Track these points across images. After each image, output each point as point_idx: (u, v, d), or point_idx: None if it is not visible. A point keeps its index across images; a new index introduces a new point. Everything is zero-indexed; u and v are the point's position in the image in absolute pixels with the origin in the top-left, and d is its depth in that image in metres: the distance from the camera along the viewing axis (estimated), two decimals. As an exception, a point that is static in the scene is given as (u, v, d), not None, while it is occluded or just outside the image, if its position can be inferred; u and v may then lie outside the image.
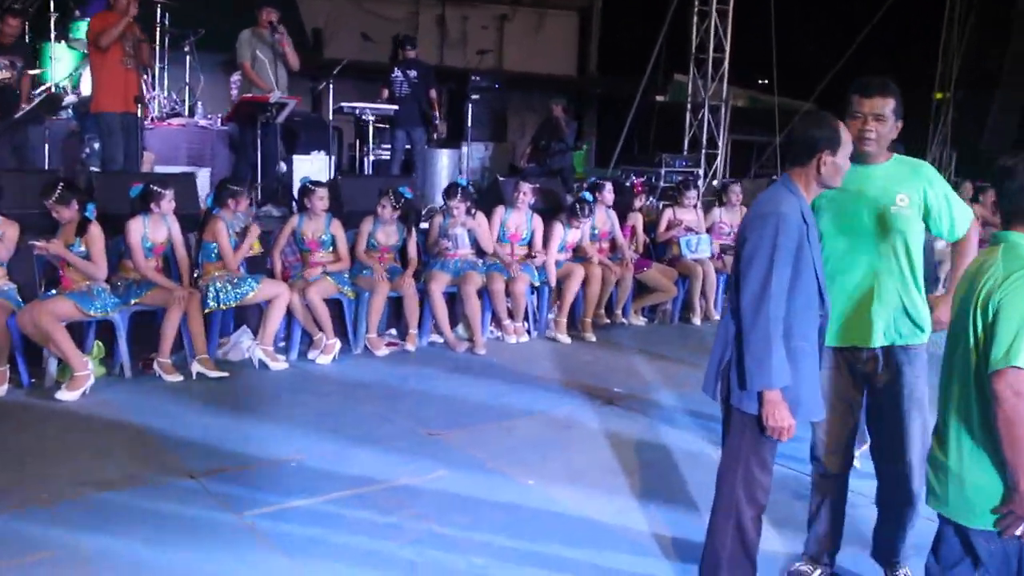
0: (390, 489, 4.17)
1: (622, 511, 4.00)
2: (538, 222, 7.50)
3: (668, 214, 8.34)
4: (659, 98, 12.64)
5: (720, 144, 11.48)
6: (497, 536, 3.72)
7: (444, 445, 4.80)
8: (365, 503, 4.00)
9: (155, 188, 6.00)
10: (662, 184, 10.15)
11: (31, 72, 7.86)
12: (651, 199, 9.53)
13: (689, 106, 11.69)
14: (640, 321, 8.10)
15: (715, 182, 9.05)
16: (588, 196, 7.78)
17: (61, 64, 8.83)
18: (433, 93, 9.67)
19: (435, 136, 10.07)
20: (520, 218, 7.42)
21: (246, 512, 3.84)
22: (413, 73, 9.50)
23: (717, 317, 8.19)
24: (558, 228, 7.47)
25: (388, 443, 4.78)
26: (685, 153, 11.34)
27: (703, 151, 10.95)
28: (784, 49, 12.10)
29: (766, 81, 14.98)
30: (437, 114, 9.79)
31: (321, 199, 6.52)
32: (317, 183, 6.73)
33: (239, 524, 3.74)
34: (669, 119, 12.31)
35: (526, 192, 7.39)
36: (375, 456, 4.58)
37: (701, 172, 10.75)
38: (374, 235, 6.81)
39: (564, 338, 7.21)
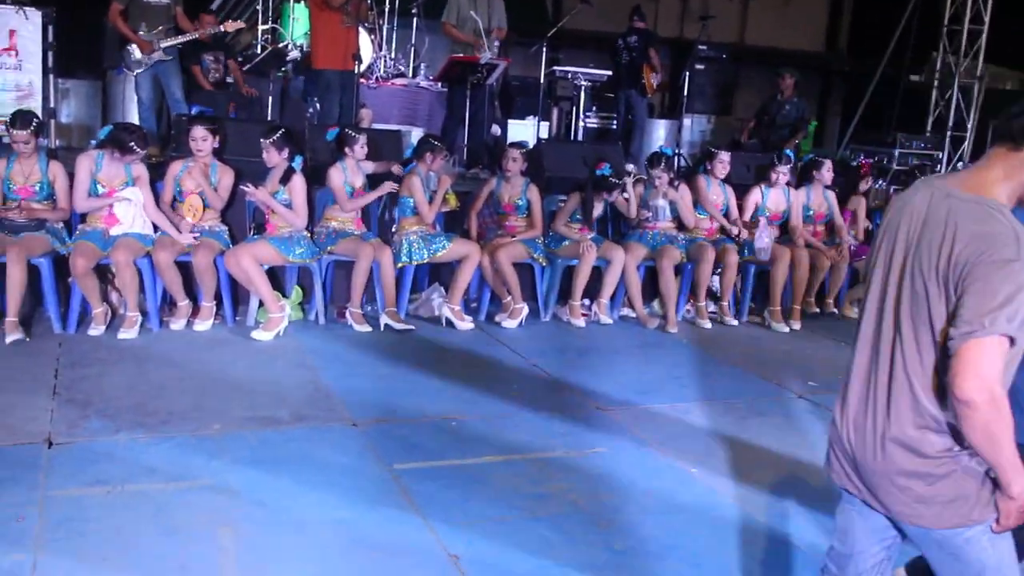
0: (544, 459, 4.04)
1: (784, 516, 3.64)
2: (731, 192, 7.10)
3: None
4: (913, 77, 11.59)
5: (969, 127, 10.36)
6: (643, 523, 3.50)
7: (611, 421, 4.60)
8: (515, 470, 3.90)
9: (349, 131, 6.15)
10: (895, 167, 9.30)
11: (261, 28, 8.27)
12: (880, 182, 8.77)
13: (936, 83, 10.63)
14: (854, 313, 7.45)
15: (960, 167, 8.17)
16: (789, 152, 7.21)
17: (299, 23, 9.29)
18: (652, 53, 9.38)
19: (649, 95, 9.75)
20: (716, 189, 7.03)
21: (396, 464, 3.84)
22: (633, 39, 9.28)
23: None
24: (755, 193, 7.04)
25: (554, 413, 4.64)
26: (927, 135, 10.33)
27: (948, 134, 9.91)
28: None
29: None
30: (656, 75, 9.47)
31: (515, 161, 6.44)
32: (513, 144, 6.66)
33: (385, 475, 3.74)
34: (915, 99, 11.26)
35: (724, 162, 6.98)
36: (538, 424, 4.47)
37: (944, 157, 9.74)
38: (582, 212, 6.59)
39: (780, 326, 6.76)
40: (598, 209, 6.64)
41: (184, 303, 5.70)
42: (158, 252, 5.49)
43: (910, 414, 2.01)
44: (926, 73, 11.25)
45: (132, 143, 5.49)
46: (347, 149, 6.08)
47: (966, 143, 10.38)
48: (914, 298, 1.98)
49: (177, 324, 5.66)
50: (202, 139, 5.76)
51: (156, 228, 5.66)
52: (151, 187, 5.69)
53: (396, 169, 6.44)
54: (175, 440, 3.94)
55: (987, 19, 10.26)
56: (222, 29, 7.22)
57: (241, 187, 5.82)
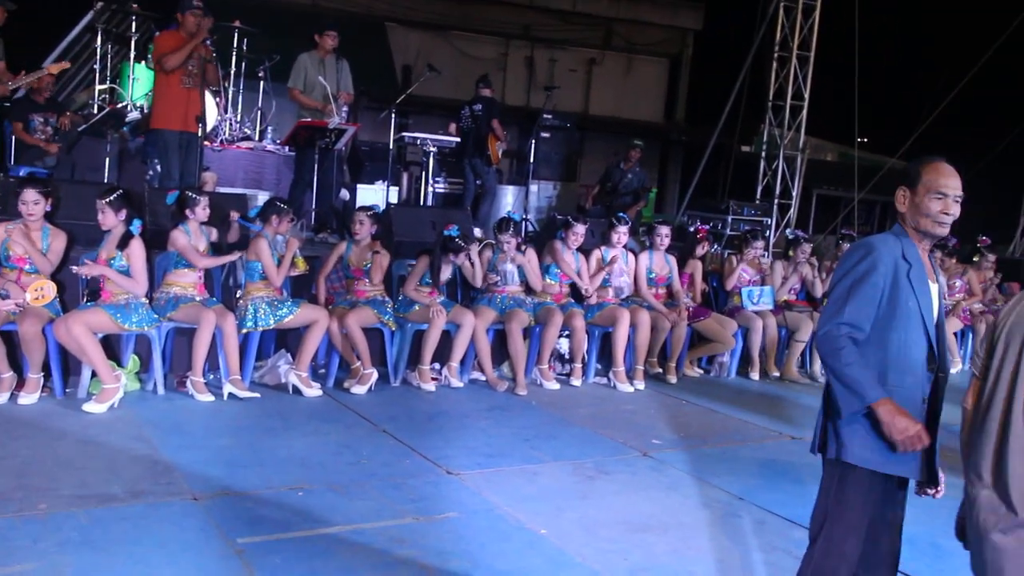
0: (395, 527, 3.98)
1: (632, 573, 3.72)
2: (583, 259, 7.33)
3: (732, 262, 8.04)
4: (743, 148, 12.34)
5: (794, 195, 11.10)
6: (494, 586, 3.49)
7: (462, 485, 4.60)
8: (364, 539, 3.82)
9: (189, 194, 6.01)
10: (728, 232, 9.84)
11: (99, 87, 8.04)
12: (716, 247, 9.23)
13: (764, 154, 11.36)
14: (695, 372, 7.78)
15: (789, 233, 8.69)
16: (623, 215, 7.54)
17: (139, 84, 9.05)
18: (495, 124, 9.62)
19: (493, 165, 9.97)
20: (570, 257, 7.24)
21: (240, 539, 3.70)
22: (478, 107, 9.50)
23: (776, 374, 7.83)
24: (596, 254, 7.32)
25: (403, 479, 4.60)
26: (757, 202, 10.99)
27: (776, 201, 10.58)
28: (872, 100, 11.71)
29: (864, 140, 14.55)
30: (501, 143, 9.71)
31: (362, 224, 6.44)
32: (362, 208, 6.66)
33: (228, 551, 3.59)
34: (745, 168, 11.99)
35: (579, 234, 7.20)
36: (387, 491, 4.41)
37: (773, 223, 10.37)
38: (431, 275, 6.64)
39: (624, 386, 6.94)
40: (446, 272, 6.69)
41: (7, 375, 5.36)
42: (-22, 321, 5.16)
43: None
44: (755, 144, 12.00)
45: None
46: (188, 211, 5.93)
47: (792, 210, 11.10)
48: None
49: (-1, 397, 5.31)
50: (33, 203, 5.50)
51: (-24, 296, 5.32)
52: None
53: (233, 215, 6.34)
54: (-5, 523, 3.67)
55: (807, 96, 11.08)
56: (36, 76, 6.96)
57: (72, 268, 5.57)
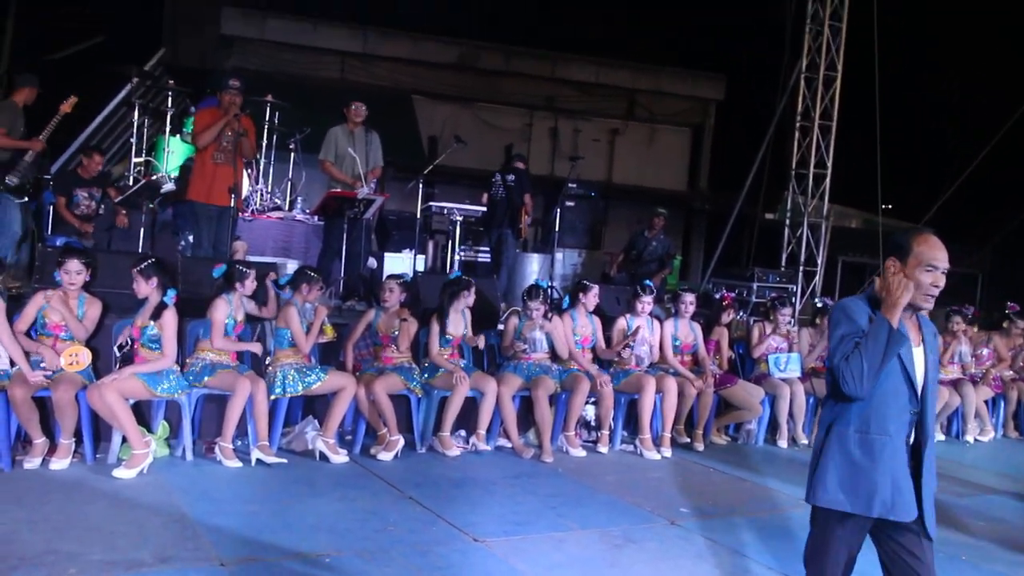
0: (421, 595, 3.97)
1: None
2: (598, 322, 7.37)
3: (759, 329, 8.03)
4: (767, 215, 12.41)
5: (819, 262, 11.10)
6: (521, 656, 3.46)
7: (489, 553, 4.57)
8: (391, 608, 3.81)
9: (240, 268, 6.13)
10: (754, 299, 9.85)
11: (134, 160, 8.27)
12: (741, 314, 9.24)
13: (788, 222, 11.41)
14: (722, 440, 7.73)
15: (817, 301, 8.68)
16: (649, 283, 7.57)
17: (174, 156, 9.29)
18: (527, 198, 9.75)
19: (521, 239, 10.09)
20: (584, 320, 7.28)
21: (267, 606, 3.70)
22: (511, 177, 9.65)
23: (804, 441, 7.75)
24: (620, 322, 7.33)
25: (429, 547, 4.58)
26: (782, 269, 11.00)
27: (801, 268, 10.58)
28: (896, 167, 11.77)
29: (889, 207, 14.59)
30: (528, 218, 9.84)
31: (391, 291, 6.53)
32: (392, 276, 6.76)
33: (255, 618, 3.59)
34: (770, 235, 12.03)
35: (595, 295, 7.26)
36: (413, 558, 4.39)
37: (798, 290, 10.37)
38: (445, 330, 6.74)
39: (651, 454, 6.91)
40: (457, 324, 6.77)
41: (40, 440, 5.42)
42: (14, 387, 5.25)
43: None
44: (779, 212, 12.05)
45: None
46: (238, 284, 6.04)
47: (817, 277, 11.10)
48: None
49: (31, 463, 5.36)
50: (76, 272, 5.64)
51: (12, 362, 5.42)
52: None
53: (271, 276, 6.47)
54: (25, 589, 3.69)
55: (830, 164, 11.15)
56: (55, 121, 7.18)
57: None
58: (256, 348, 6.22)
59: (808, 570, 3.10)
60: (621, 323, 7.35)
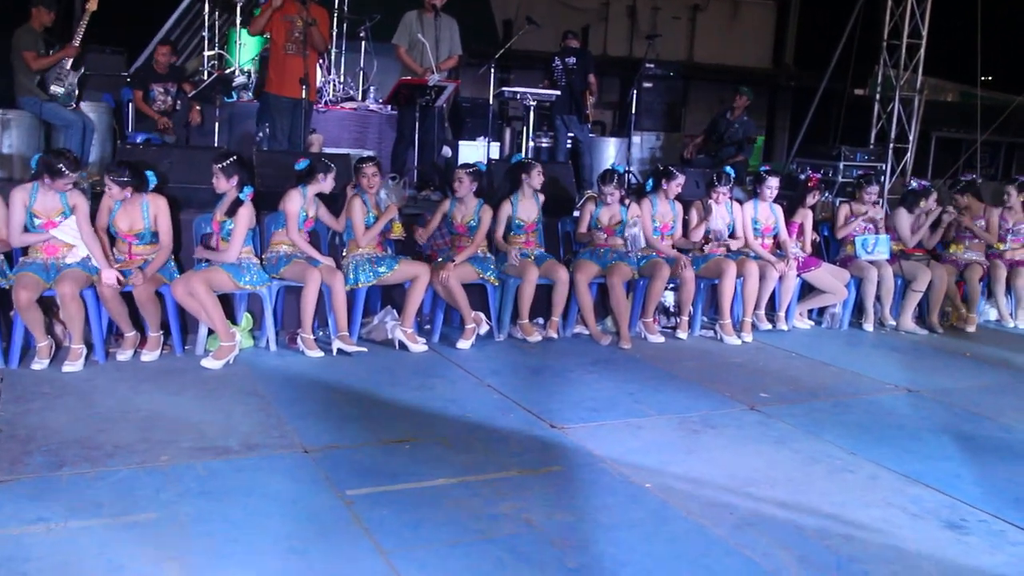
0: (499, 480, 4.02)
1: (739, 528, 3.66)
2: (680, 209, 7.22)
3: (845, 210, 7.74)
4: (856, 91, 11.82)
5: (911, 139, 10.56)
6: (597, 540, 3.49)
7: (566, 439, 4.60)
8: (469, 492, 3.87)
9: (324, 161, 6.12)
10: (840, 179, 9.46)
11: (207, 54, 8.25)
12: (827, 195, 8.91)
13: (878, 97, 10.83)
14: (805, 324, 7.57)
15: (913, 181, 8.24)
16: (728, 169, 7.33)
17: (246, 49, 9.25)
18: (592, 79, 9.45)
19: (587, 123, 9.82)
20: (666, 207, 7.11)
21: (349, 491, 3.80)
22: (571, 60, 9.35)
23: (892, 323, 7.54)
24: (697, 204, 7.20)
25: (507, 432, 4.63)
26: (871, 147, 10.51)
27: (891, 145, 10.09)
28: (996, 36, 11.01)
29: (988, 78, 13.76)
30: (593, 98, 9.55)
31: (461, 182, 6.46)
32: (461, 166, 6.68)
33: (338, 503, 3.69)
34: (858, 112, 11.47)
35: (679, 184, 7.07)
36: (491, 445, 4.45)
37: (888, 168, 9.90)
38: (516, 215, 6.68)
39: (731, 339, 6.82)
40: (532, 211, 6.70)
41: (131, 334, 5.61)
42: (101, 284, 5.39)
43: None
44: (869, 87, 11.46)
45: (61, 166, 5.29)
46: (320, 176, 6.03)
47: (908, 155, 10.59)
48: None
49: (124, 355, 5.56)
50: (118, 191, 5.58)
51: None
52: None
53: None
54: (121, 474, 3.86)
55: (925, 34, 10.49)
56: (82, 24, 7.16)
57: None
58: (328, 261, 6.11)
59: None
60: (698, 205, 7.21)
